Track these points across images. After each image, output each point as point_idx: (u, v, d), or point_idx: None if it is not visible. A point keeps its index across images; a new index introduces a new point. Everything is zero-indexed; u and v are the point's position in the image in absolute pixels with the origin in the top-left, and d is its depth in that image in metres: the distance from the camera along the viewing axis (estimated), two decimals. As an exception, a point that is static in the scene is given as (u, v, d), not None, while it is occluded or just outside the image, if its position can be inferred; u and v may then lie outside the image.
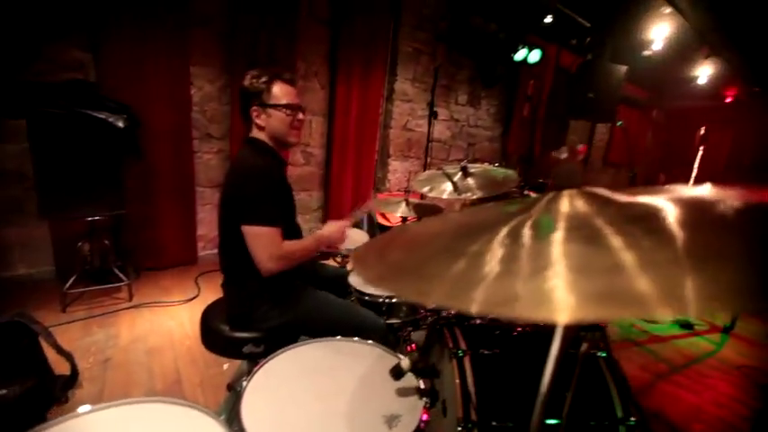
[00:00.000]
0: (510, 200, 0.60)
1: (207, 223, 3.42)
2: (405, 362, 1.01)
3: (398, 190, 4.37)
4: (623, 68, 4.59)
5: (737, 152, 7.27)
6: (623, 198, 0.46)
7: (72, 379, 1.89)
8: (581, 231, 0.37)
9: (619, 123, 3.59)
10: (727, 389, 2.29)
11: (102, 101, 2.34)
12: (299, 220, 4.18)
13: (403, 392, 0.99)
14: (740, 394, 2.25)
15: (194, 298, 2.85)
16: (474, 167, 2.00)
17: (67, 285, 2.52)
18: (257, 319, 1.45)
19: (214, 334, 1.50)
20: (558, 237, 0.37)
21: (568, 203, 0.45)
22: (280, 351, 1.17)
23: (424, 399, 0.97)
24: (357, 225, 3.76)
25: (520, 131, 5.13)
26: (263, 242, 1.33)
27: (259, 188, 1.34)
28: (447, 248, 0.44)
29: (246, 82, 1.41)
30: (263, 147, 1.46)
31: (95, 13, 2.54)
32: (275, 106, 1.42)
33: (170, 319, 2.58)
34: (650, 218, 0.39)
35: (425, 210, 1.99)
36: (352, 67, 3.74)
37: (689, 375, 2.42)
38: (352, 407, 0.94)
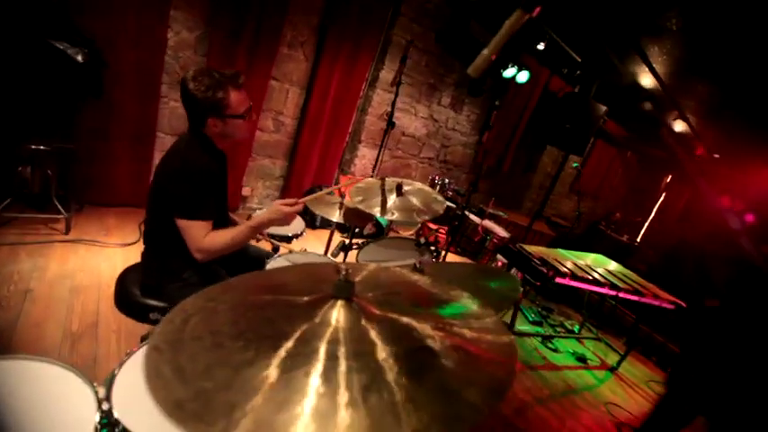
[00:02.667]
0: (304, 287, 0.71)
1: (162, 170, 3.41)
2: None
3: (362, 176, 4.45)
4: (603, 108, 4.75)
5: (693, 207, 7.71)
6: (378, 316, 0.59)
7: (-14, 304, 1.96)
8: (330, 372, 0.49)
9: (574, 165, 3.77)
10: (587, 421, 2.62)
11: (65, 30, 2.26)
12: (260, 185, 4.20)
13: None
14: (596, 429, 2.59)
15: (132, 244, 2.89)
16: (410, 186, 2.12)
17: (0, 207, 2.51)
18: (167, 294, 1.55)
19: (125, 295, 1.60)
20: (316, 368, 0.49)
21: (337, 316, 0.58)
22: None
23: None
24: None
25: (494, 144, 5.26)
26: (192, 234, 1.41)
27: (196, 186, 1.40)
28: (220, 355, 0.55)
29: (199, 94, 1.38)
30: (207, 143, 1.51)
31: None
32: (235, 117, 1.46)
33: (104, 260, 2.63)
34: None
35: (356, 216, 2.11)
36: (340, 45, 3.70)
37: (562, 404, 2.74)
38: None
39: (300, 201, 1.60)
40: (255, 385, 0.46)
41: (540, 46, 3.87)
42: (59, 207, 2.70)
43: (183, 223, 1.40)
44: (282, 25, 3.37)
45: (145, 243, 1.62)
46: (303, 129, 3.93)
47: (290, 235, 2.31)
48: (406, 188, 2.10)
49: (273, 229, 2.23)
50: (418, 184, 2.25)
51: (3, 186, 2.71)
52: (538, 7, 0.84)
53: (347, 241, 2.21)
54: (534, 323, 3.62)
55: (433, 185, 3.34)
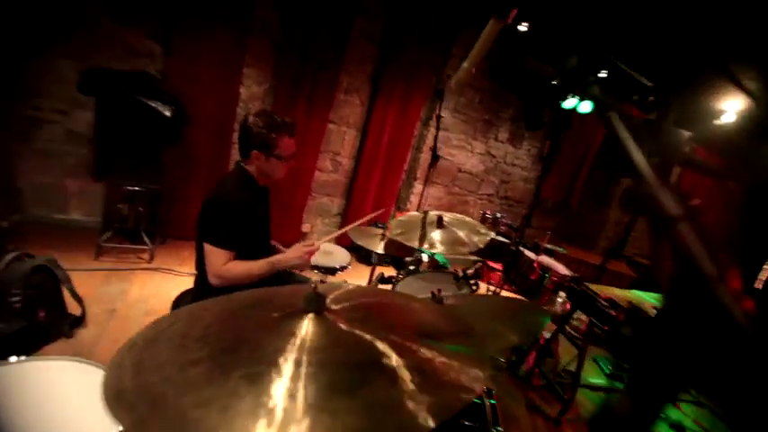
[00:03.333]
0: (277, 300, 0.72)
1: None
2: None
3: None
4: (687, 134, 4.29)
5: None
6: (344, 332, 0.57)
7: (80, 320, 2.27)
8: (277, 378, 0.49)
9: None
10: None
11: (156, 92, 2.73)
12: (318, 222, 4.39)
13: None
14: None
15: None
16: (451, 218, 2.07)
17: (103, 238, 2.96)
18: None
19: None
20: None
21: (306, 328, 0.58)
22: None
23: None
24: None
25: (558, 178, 4.96)
26: (211, 260, 1.53)
27: (224, 216, 1.54)
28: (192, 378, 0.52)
29: (254, 129, 1.56)
30: (248, 179, 1.66)
31: (170, 8, 2.97)
32: (278, 158, 1.62)
33: (174, 287, 2.92)
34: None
35: (398, 249, 2.10)
36: (394, 88, 3.89)
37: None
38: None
39: (318, 243, 1.68)
40: (190, 383, 0.47)
41: (602, 74, 3.68)
42: (146, 240, 3.10)
43: (206, 248, 1.52)
44: (339, 74, 3.67)
45: (195, 267, 1.78)
46: (359, 168, 4.11)
47: (336, 267, 2.37)
48: (447, 220, 2.06)
49: (321, 261, 2.31)
50: (461, 216, 2.20)
51: (106, 221, 3.21)
52: (513, 11, 0.81)
53: (385, 274, 2.21)
54: (611, 376, 3.16)
55: (483, 220, 3.21)
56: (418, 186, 4.48)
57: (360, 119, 4.00)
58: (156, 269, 3.05)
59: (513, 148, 4.77)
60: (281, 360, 0.52)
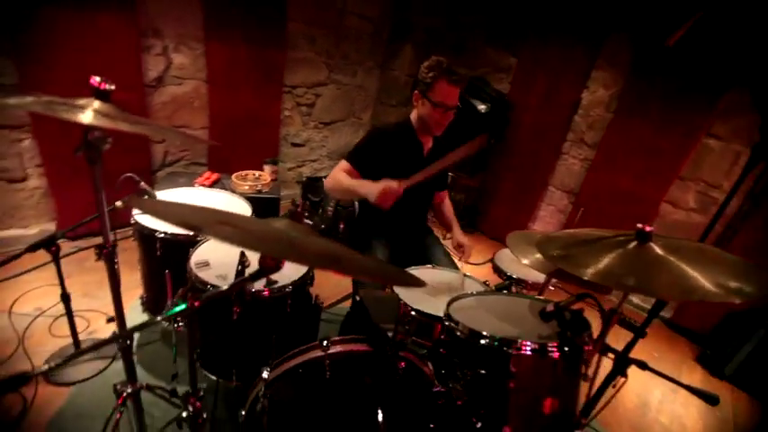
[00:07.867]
0: None
1: (545, 223, 3.50)
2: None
3: None
4: None
5: None
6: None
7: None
8: None
9: None
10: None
11: (479, 91, 3.13)
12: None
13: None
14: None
15: (482, 263, 3.27)
16: (671, 242, 1.08)
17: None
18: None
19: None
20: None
21: None
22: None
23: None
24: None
25: None
26: (336, 167, 1.70)
27: (366, 142, 1.71)
28: None
29: (422, 68, 1.63)
30: (407, 128, 1.74)
31: (525, 28, 3.24)
32: (431, 101, 1.61)
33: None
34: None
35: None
36: None
37: None
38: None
39: (402, 184, 1.47)
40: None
41: None
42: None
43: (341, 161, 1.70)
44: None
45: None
46: (750, 216, 2.50)
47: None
48: (662, 242, 1.07)
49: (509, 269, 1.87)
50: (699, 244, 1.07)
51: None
52: None
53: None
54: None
55: None
56: None
57: (773, 133, 2.39)
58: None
59: None
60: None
